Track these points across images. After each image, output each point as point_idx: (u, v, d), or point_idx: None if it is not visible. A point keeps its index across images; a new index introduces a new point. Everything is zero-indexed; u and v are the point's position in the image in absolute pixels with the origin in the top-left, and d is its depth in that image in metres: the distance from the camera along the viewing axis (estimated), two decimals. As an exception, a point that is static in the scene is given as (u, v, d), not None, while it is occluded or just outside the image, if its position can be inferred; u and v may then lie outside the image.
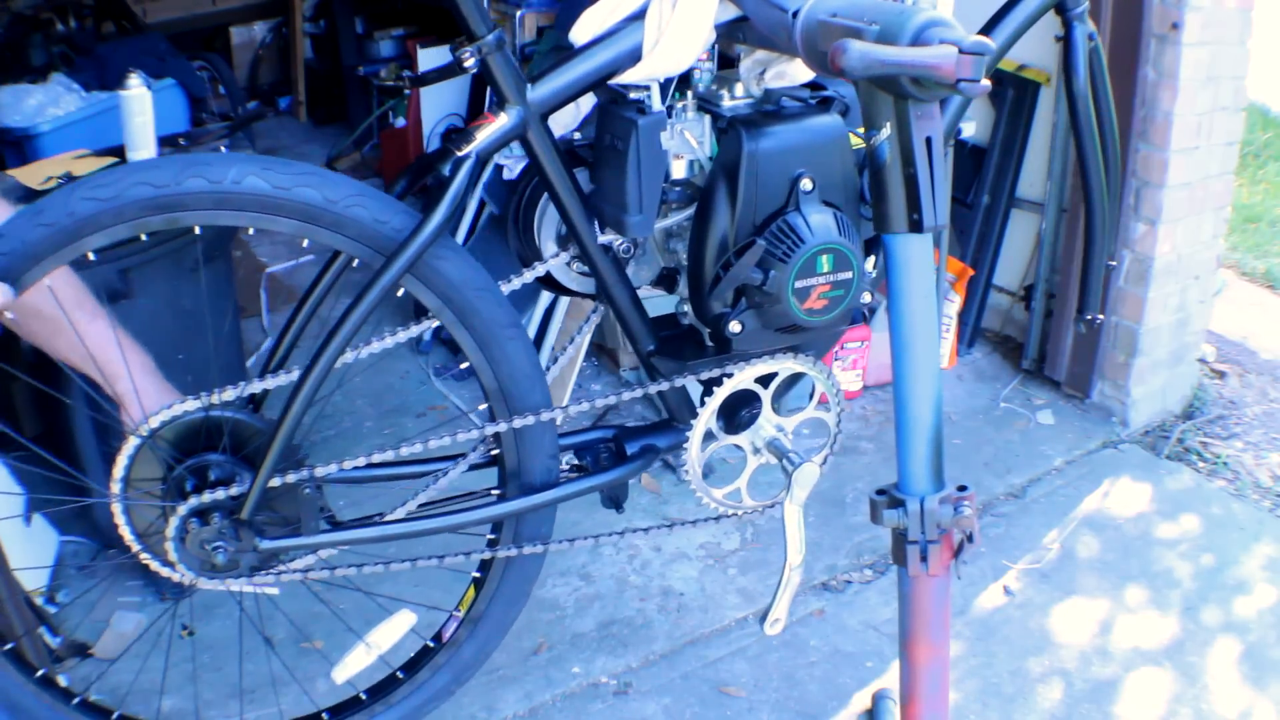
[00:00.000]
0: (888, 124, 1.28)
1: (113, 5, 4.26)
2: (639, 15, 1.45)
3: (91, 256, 1.35)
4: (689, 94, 1.55)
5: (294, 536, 1.50)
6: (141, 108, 2.10)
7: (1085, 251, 1.92)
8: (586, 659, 2.07)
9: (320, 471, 1.48)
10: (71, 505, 2.16)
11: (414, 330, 1.49)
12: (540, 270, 1.59)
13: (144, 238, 1.39)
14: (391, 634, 1.65)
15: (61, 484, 1.83)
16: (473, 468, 1.64)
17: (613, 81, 1.48)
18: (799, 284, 1.46)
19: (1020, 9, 1.66)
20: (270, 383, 1.46)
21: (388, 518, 1.59)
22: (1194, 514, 2.57)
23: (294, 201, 1.38)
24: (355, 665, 1.64)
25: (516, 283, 1.57)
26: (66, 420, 2.05)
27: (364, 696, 1.71)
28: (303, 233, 1.41)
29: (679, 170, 1.57)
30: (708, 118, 1.54)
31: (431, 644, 1.72)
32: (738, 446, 1.68)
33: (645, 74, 1.46)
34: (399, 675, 1.71)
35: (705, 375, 1.61)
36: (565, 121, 1.61)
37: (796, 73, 1.52)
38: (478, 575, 1.70)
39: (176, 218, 1.36)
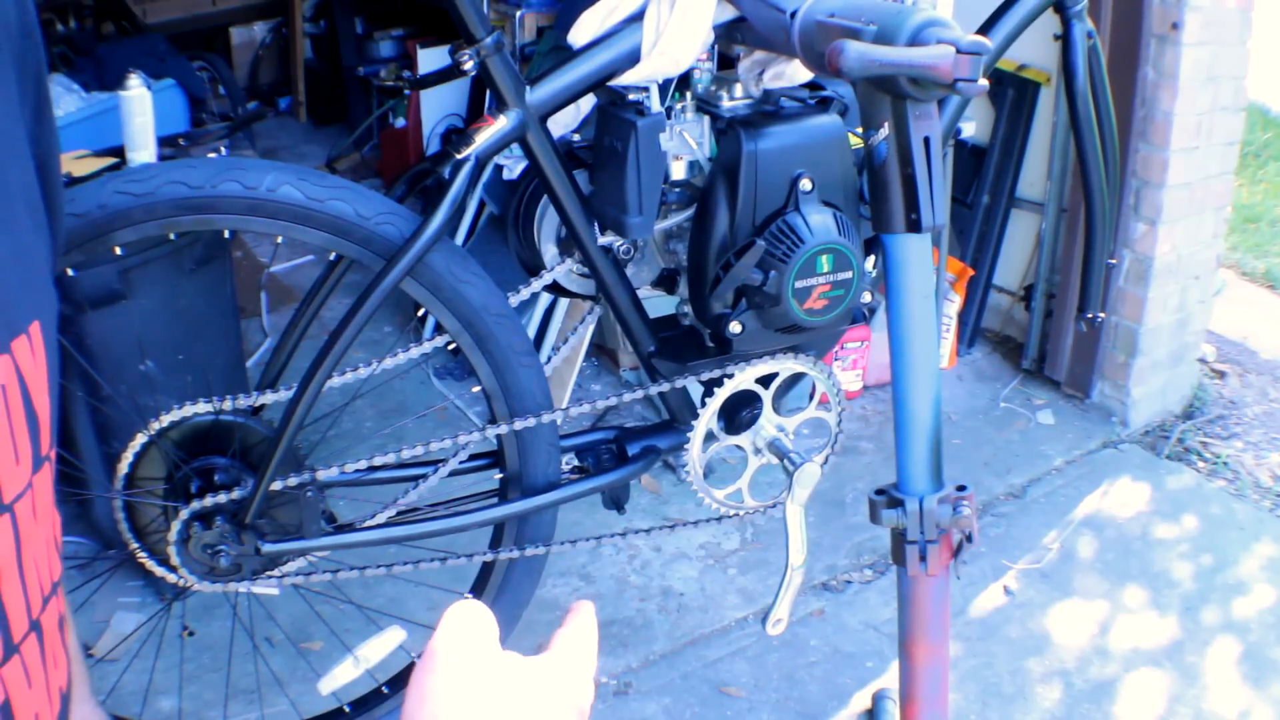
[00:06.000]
0: (886, 124, 1.28)
1: (113, 5, 4.26)
2: (638, 16, 1.45)
3: (119, 251, 1.36)
4: (688, 95, 1.55)
5: (296, 540, 1.50)
6: (141, 108, 2.10)
7: (1085, 251, 1.92)
8: (587, 659, 2.07)
9: (323, 475, 1.48)
10: (72, 503, 2.16)
11: (427, 347, 1.49)
12: (547, 279, 1.59)
13: (173, 237, 1.39)
14: (381, 649, 1.65)
15: (63, 482, 1.83)
16: (474, 470, 1.63)
17: (612, 83, 1.48)
18: (799, 284, 1.46)
19: (1018, 8, 1.66)
20: (283, 394, 1.46)
21: (388, 519, 1.59)
22: (1194, 514, 2.57)
23: (326, 214, 1.39)
24: (343, 677, 1.64)
25: (525, 293, 1.57)
26: (66, 419, 2.05)
27: (347, 709, 1.70)
28: (331, 245, 1.42)
29: (678, 171, 1.56)
30: (707, 119, 1.54)
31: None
32: (738, 447, 1.68)
33: (644, 75, 1.46)
34: (384, 690, 1.71)
35: (706, 376, 1.61)
36: (565, 122, 1.61)
37: (795, 73, 1.52)
38: (469, 596, 1.70)
39: (208, 220, 1.36)
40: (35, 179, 0.58)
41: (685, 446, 1.64)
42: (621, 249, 1.58)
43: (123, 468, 1.43)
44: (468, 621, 0.54)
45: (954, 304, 3.04)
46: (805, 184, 1.47)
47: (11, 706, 0.54)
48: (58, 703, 0.59)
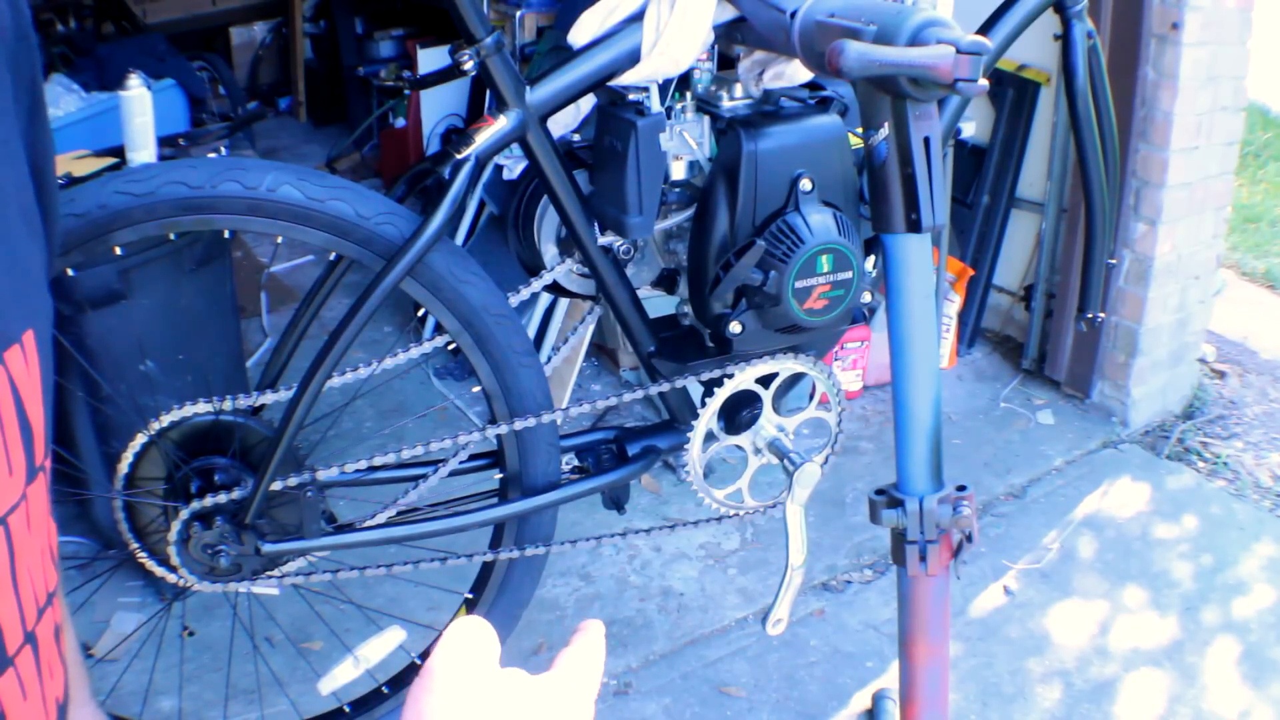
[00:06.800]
0: (886, 124, 1.28)
1: (113, 5, 4.26)
2: (638, 16, 1.45)
3: (119, 251, 1.36)
4: (688, 95, 1.55)
5: (296, 539, 1.50)
6: (141, 108, 2.10)
7: (1085, 250, 1.92)
8: (587, 659, 2.07)
9: (323, 475, 1.48)
10: (72, 503, 2.16)
11: (427, 347, 1.49)
12: (547, 279, 1.59)
13: (173, 237, 1.39)
14: (381, 649, 1.65)
15: (62, 482, 1.83)
16: (474, 470, 1.63)
17: (612, 83, 1.48)
18: (799, 284, 1.46)
19: (1018, 8, 1.66)
20: (283, 394, 1.46)
21: (388, 519, 1.59)
22: (1194, 514, 2.57)
23: (326, 214, 1.39)
24: (343, 677, 1.64)
25: (525, 293, 1.57)
26: (66, 419, 2.05)
27: (347, 709, 1.70)
28: (332, 245, 1.42)
29: (678, 171, 1.57)
30: (707, 119, 1.54)
31: (419, 661, 1.71)
32: (738, 447, 1.68)
33: (644, 75, 1.46)
34: (384, 690, 1.71)
35: (706, 376, 1.61)
36: (565, 122, 1.61)
37: (795, 73, 1.52)
38: (470, 596, 1.70)
39: (208, 220, 1.37)
40: (30, 183, 0.58)
41: (685, 446, 1.64)
42: (621, 249, 1.58)
43: (123, 468, 1.43)
44: (467, 640, 0.53)
45: (954, 304, 3.05)
46: (805, 184, 1.46)
47: (6, 719, 0.54)
48: (54, 714, 0.59)
